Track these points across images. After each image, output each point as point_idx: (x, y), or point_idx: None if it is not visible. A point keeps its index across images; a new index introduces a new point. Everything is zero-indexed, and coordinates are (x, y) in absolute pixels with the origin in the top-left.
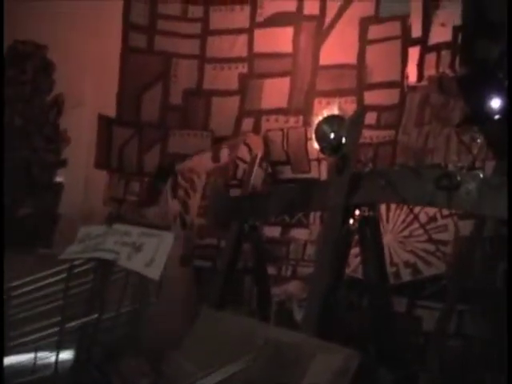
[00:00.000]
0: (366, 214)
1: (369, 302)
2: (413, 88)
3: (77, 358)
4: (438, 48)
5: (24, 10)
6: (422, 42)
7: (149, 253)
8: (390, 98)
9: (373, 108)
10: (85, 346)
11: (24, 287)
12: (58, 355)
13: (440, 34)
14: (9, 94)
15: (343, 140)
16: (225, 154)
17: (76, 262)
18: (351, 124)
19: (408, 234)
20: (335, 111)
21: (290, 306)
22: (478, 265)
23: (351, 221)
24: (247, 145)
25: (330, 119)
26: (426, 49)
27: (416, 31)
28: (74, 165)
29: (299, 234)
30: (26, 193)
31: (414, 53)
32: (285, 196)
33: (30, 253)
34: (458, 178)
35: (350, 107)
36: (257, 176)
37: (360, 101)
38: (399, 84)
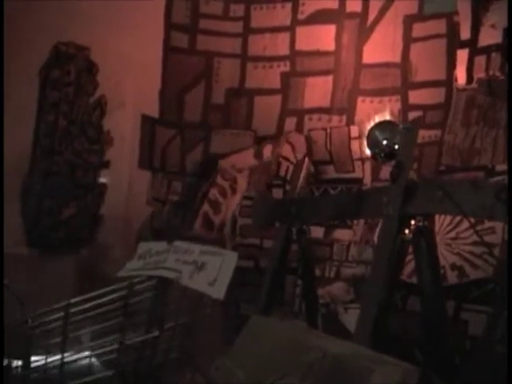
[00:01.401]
0: (422, 224)
1: (423, 311)
2: (461, 90)
3: (135, 372)
4: (487, 50)
5: (65, 11)
6: (471, 43)
7: (212, 272)
8: (436, 97)
9: (418, 107)
10: (144, 361)
11: (83, 304)
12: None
13: (490, 35)
14: (54, 96)
15: (396, 147)
16: (268, 151)
17: (136, 280)
18: (406, 132)
19: (455, 235)
20: (387, 116)
21: (334, 308)
22: None
23: (406, 231)
24: (290, 143)
25: (382, 125)
26: (475, 51)
27: (464, 33)
28: (117, 166)
29: (342, 234)
30: (70, 195)
31: (462, 55)
32: (335, 202)
33: (74, 253)
34: None
35: (395, 106)
36: (302, 178)
37: (404, 100)
38: (445, 83)
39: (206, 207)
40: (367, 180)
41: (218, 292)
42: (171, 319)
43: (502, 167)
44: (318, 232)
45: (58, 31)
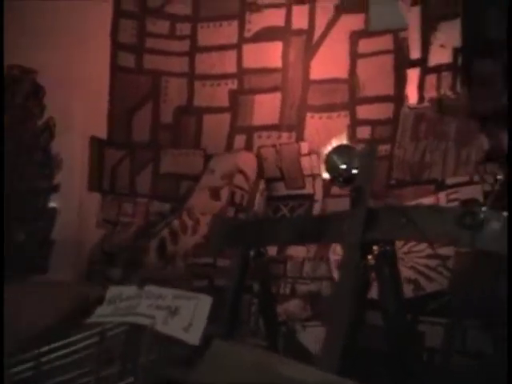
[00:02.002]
0: (384, 249)
1: (387, 331)
2: (412, 109)
3: None
4: (438, 69)
5: (12, 34)
6: (422, 63)
7: (186, 317)
8: (384, 112)
9: (366, 122)
10: None
11: (54, 352)
12: None
13: (440, 55)
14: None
15: (354, 171)
16: (224, 191)
17: (107, 326)
18: (364, 157)
19: (407, 250)
20: (344, 141)
21: (292, 326)
22: (480, 279)
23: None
24: (242, 172)
25: (340, 149)
26: (425, 70)
27: (415, 52)
28: (66, 189)
29: (296, 251)
30: (19, 220)
31: (413, 74)
32: (294, 226)
33: (26, 280)
34: (482, 216)
35: (344, 121)
36: (258, 200)
37: (353, 115)
38: (393, 98)
39: (165, 233)
40: (318, 196)
41: (194, 337)
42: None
43: (452, 180)
44: (271, 249)
45: (4, 54)
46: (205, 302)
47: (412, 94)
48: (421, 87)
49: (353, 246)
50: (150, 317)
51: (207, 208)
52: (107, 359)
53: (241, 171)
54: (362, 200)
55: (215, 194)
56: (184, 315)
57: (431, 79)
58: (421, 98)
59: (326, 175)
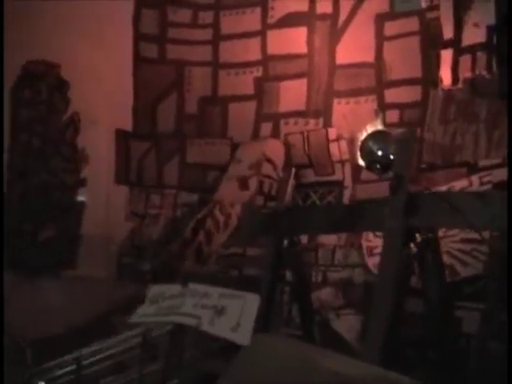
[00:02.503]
0: (426, 236)
1: (428, 319)
2: (447, 91)
3: None
4: (472, 50)
5: (33, 29)
6: (455, 43)
7: (233, 316)
8: (412, 95)
9: (394, 106)
10: None
11: (96, 354)
12: None
13: (474, 34)
14: (25, 116)
15: (391, 157)
16: (253, 181)
17: (151, 326)
18: (402, 143)
19: (442, 234)
20: (379, 126)
21: (325, 315)
22: None
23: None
24: (270, 161)
25: (375, 135)
26: (459, 51)
27: (447, 32)
28: (94, 183)
29: (327, 239)
30: (48, 216)
31: (446, 55)
32: (328, 214)
33: (55, 276)
34: None
35: (371, 106)
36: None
37: (381, 99)
38: (420, 80)
39: (201, 237)
40: (348, 182)
41: (243, 337)
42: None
43: (484, 162)
44: (302, 237)
45: (27, 50)
46: (252, 301)
47: (445, 76)
48: (454, 68)
49: (394, 233)
50: (196, 317)
51: (236, 198)
52: (151, 359)
53: (268, 159)
54: (402, 186)
55: (243, 183)
56: (231, 315)
57: (465, 60)
58: (455, 80)
59: (361, 162)
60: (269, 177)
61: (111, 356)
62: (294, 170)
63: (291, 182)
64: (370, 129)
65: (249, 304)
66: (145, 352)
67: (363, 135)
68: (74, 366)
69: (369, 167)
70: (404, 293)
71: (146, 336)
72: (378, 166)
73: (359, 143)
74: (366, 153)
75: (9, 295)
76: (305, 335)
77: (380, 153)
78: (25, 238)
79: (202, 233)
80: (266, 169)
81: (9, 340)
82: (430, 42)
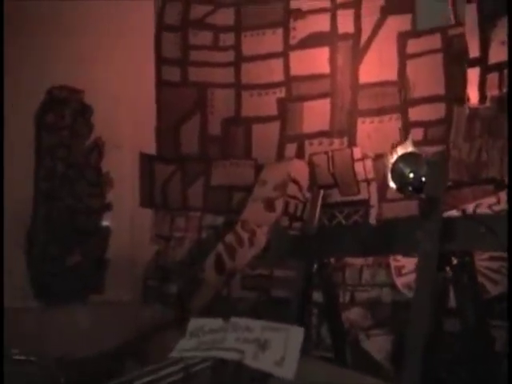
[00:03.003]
0: (462, 260)
1: (465, 341)
2: (474, 109)
3: None
4: (499, 68)
5: (57, 55)
6: (481, 61)
7: (277, 350)
8: (436, 112)
9: (418, 124)
10: None
11: None
12: None
13: (501, 52)
14: (49, 141)
15: (423, 179)
16: (278, 202)
17: (192, 361)
18: (434, 165)
19: None
20: (409, 148)
21: (355, 335)
22: None
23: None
24: (296, 182)
25: (406, 157)
26: (486, 69)
27: (474, 51)
28: (118, 206)
29: (354, 258)
30: (74, 241)
31: (473, 74)
32: (358, 236)
33: (82, 301)
34: None
35: (395, 124)
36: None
37: (405, 117)
38: (444, 98)
39: (220, 249)
40: (373, 201)
41: (288, 372)
42: None
43: None
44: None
45: (51, 76)
46: (296, 334)
47: (473, 94)
48: (481, 86)
49: (429, 257)
50: (239, 351)
51: (262, 220)
52: None
53: (294, 180)
54: (436, 209)
55: (269, 205)
56: (275, 348)
57: (493, 78)
58: (482, 98)
59: (392, 184)
60: (294, 197)
61: None
62: (322, 191)
63: (319, 203)
64: (400, 151)
65: (293, 337)
66: None
67: (394, 157)
68: None
69: (400, 189)
70: (440, 316)
71: (187, 371)
72: (410, 189)
73: (390, 165)
74: (398, 175)
75: (40, 324)
76: (336, 357)
77: (412, 175)
78: (51, 263)
79: (220, 245)
80: (292, 189)
81: (42, 371)
82: (454, 59)
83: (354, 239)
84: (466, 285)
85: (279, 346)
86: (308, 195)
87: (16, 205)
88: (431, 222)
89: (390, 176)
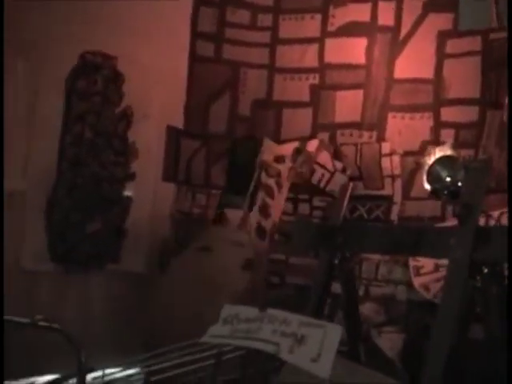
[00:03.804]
0: (493, 270)
1: (490, 352)
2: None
3: None
4: None
5: (92, 21)
6: None
7: (313, 346)
8: (469, 115)
9: (450, 125)
10: None
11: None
12: None
13: None
14: (80, 107)
15: (459, 184)
16: (311, 146)
17: (225, 349)
18: (476, 172)
19: None
20: (448, 151)
21: (367, 329)
22: None
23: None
24: (329, 152)
25: (444, 160)
26: None
27: None
28: (142, 178)
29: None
30: (96, 208)
31: None
32: (389, 235)
33: (98, 268)
34: None
35: (426, 123)
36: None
37: (437, 117)
38: (478, 101)
39: (256, 217)
40: (397, 198)
41: (323, 370)
42: None
43: None
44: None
45: (84, 41)
46: (334, 332)
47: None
48: None
49: (460, 264)
50: (274, 343)
51: (288, 153)
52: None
53: (328, 150)
54: (472, 217)
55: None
56: (311, 344)
57: None
58: None
59: (427, 186)
60: (323, 166)
61: (180, 375)
62: (351, 184)
63: (348, 196)
64: (438, 153)
65: (330, 334)
66: (218, 374)
67: (431, 159)
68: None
69: (435, 192)
70: (466, 325)
71: (219, 358)
72: (446, 193)
73: (426, 167)
74: (434, 178)
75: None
76: (350, 351)
77: (448, 179)
78: (73, 229)
79: (255, 212)
80: (323, 157)
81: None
82: (492, 64)
83: (383, 237)
84: (494, 295)
85: (316, 342)
86: (338, 166)
87: (40, 170)
88: (466, 228)
89: (425, 177)
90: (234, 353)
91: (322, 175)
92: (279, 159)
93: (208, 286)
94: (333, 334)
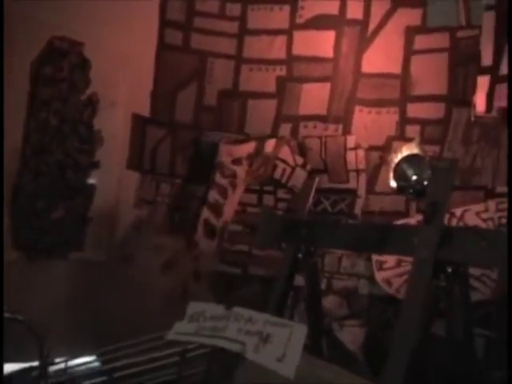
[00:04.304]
0: (457, 269)
1: (450, 355)
2: (479, 117)
3: None
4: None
5: (60, 8)
6: (493, 71)
7: (279, 346)
8: (435, 112)
9: (416, 121)
10: None
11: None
12: None
13: None
14: (45, 93)
15: (425, 183)
16: (269, 146)
17: (189, 346)
18: (443, 172)
19: None
20: (414, 149)
21: (329, 323)
22: None
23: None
24: (290, 147)
25: (410, 159)
26: (496, 78)
27: (486, 59)
28: (106, 166)
29: None
30: (60, 196)
31: (483, 81)
32: (354, 231)
33: (62, 257)
34: None
35: (392, 118)
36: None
37: (403, 112)
38: (445, 98)
39: (205, 214)
40: (361, 192)
41: (288, 369)
42: None
43: (503, 189)
44: None
45: (52, 27)
46: (299, 331)
47: (480, 102)
48: (490, 95)
49: (424, 264)
50: (239, 342)
51: (245, 154)
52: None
53: (289, 146)
54: (438, 217)
55: (260, 147)
56: (277, 344)
57: (502, 88)
58: (489, 107)
59: (393, 184)
60: (284, 161)
61: (144, 372)
62: (317, 179)
63: (313, 190)
64: (405, 151)
65: (296, 334)
66: (182, 372)
67: (398, 157)
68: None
69: (400, 190)
70: (429, 324)
71: (183, 355)
72: (411, 191)
73: (392, 165)
74: (400, 176)
75: (21, 277)
76: (312, 345)
77: (414, 178)
78: (37, 217)
79: (205, 209)
80: (284, 152)
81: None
82: (460, 61)
83: (348, 233)
84: (457, 295)
85: (281, 341)
86: (298, 161)
87: (6, 157)
88: (431, 228)
89: (391, 175)
90: (198, 350)
91: (284, 170)
92: (236, 161)
93: None
94: (298, 333)
